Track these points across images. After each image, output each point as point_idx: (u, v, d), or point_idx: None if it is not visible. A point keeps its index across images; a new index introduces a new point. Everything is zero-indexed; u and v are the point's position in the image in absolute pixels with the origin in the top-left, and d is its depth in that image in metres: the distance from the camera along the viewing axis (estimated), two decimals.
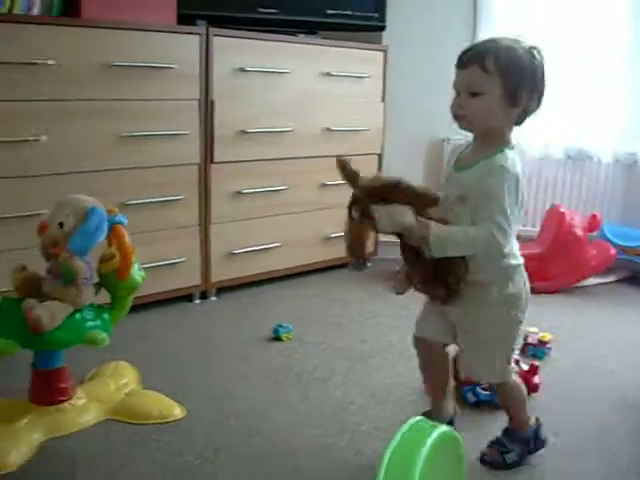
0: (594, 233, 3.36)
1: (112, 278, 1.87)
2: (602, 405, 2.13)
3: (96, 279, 1.87)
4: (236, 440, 1.86)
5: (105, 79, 2.52)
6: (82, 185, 2.37)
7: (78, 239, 1.74)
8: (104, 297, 1.93)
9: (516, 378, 1.81)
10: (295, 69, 3.08)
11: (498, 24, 3.52)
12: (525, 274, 1.70)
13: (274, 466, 1.74)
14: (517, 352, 2.15)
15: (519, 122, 1.63)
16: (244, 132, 2.93)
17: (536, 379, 2.15)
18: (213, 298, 3.03)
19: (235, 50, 2.88)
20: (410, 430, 1.13)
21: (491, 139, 1.61)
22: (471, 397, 2.08)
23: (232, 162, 2.94)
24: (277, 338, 2.57)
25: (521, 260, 1.69)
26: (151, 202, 2.69)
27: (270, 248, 3.14)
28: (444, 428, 1.15)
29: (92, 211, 1.76)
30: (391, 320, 2.83)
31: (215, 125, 2.84)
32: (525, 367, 2.17)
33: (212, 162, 2.86)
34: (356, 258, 1.59)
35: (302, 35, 3.20)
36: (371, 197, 1.53)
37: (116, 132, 2.56)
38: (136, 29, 2.58)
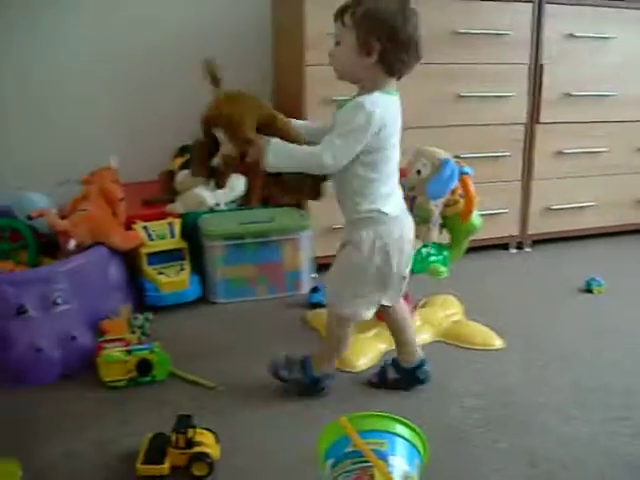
0: None
1: (454, 221, 2.18)
2: None
3: (440, 221, 2.19)
4: (550, 372, 2.09)
5: (448, 45, 2.83)
6: (426, 138, 2.65)
7: (434, 186, 2.06)
8: (444, 237, 2.25)
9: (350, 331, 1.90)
10: (623, 35, 3.15)
11: None
12: (395, 228, 1.79)
13: (585, 398, 1.94)
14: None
15: (393, 72, 1.73)
16: (569, 95, 3.08)
17: None
18: (528, 249, 3.26)
19: (565, 17, 3.02)
20: None
21: (363, 87, 1.74)
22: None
23: (556, 123, 3.12)
24: (589, 290, 2.73)
25: (389, 210, 1.78)
26: (480, 157, 2.97)
27: (585, 207, 3.29)
28: None
29: (446, 162, 2.06)
30: None
31: (543, 88, 3.03)
32: None
33: (537, 122, 3.07)
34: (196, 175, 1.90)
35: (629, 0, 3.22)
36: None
37: (455, 92, 2.88)
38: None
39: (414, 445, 1.43)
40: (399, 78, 1.78)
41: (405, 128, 2.75)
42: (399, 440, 1.41)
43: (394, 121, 1.78)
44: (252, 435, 1.77)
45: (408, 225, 1.86)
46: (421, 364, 1.98)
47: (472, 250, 3.01)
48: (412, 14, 1.70)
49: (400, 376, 1.98)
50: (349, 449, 1.37)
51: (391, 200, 1.80)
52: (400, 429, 1.43)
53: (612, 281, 2.81)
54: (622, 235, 3.47)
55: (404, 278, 1.88)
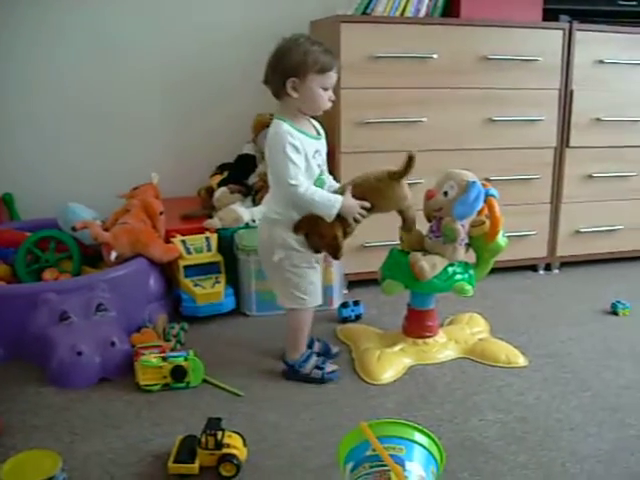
0: None
1: (480, 241, 2.24)
2: None
3: (467, 240, 2.25)
4: (569, 391, 2.15)
5: (479, 70, 2.90)
6: (455, 160, 2.78)
7: (460, 207, 2.14)
8: (471, 256, 2.32)
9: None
10: None
11: None
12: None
13: (602, 417, 1.99)
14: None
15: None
16: (599, 120, 3.13)
17: None
18: (556, 271, 3.31)
19: (595, 43, 3.06)
20: None
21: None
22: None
23: (586, 147, 3.16)
24: (614, 312, 2.77)
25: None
26: (510, 179, 3.04)
27: (614, 230, 3.32)
28: None
29: (472, 184, 2.14)
30: None
31: (573, 113, 3.08)
32: None
33: (567, 146, 3.12)
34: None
35: None
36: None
37: (485, 116, 2.95)
38: (506, 26, 2.91)
39: (431, 453, 1.50)
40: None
41: (435, 150, 2.88)
42: (417, 447, 1.48)
43: None
44: (279, 438, 1.86)
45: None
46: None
47: (501, 270, 3.10)
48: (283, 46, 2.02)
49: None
50: (368, 453, 1.44)
51: None
52: (418, 437, 1.50)
53: (638, 304, 2.85)
54: None
55: None
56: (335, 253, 2.06)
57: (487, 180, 2.85)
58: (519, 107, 3.00)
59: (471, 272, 2.26)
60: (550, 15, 3.07)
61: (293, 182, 1.96)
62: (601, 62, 3.08)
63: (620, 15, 3.21)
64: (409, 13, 2.86)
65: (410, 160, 2.02)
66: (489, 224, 2.19)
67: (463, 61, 2.87)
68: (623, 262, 3.43)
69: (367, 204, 2.05)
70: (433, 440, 1.51)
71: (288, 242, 2.06)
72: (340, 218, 2.02)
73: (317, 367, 2.18)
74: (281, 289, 2.15)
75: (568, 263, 3.34)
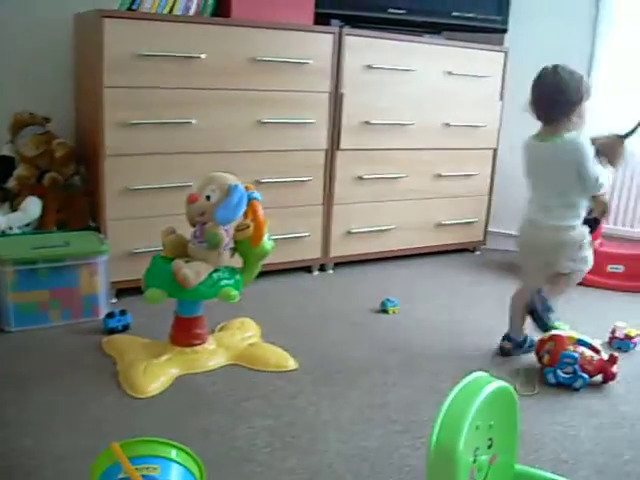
0: None
1: (246, 245, 2.21)
2: None
3: (232, 245, 2.21)
4: (338, 391, 2.17)
5: (249, 72, 2.87)
6: (225, 163, 2.74)
7: (222, 211, 2.09)
8: (237, 261, 2.28)
9: None
10: (419, 67, 3.33)
11: (619, 30, 3.63)
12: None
13: (369, 414, 2.03)
14: (601, 342, 2.45)
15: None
16: (369, 123, 3.22)
17: (614, 369, 2.31)
18: (330, 271, 3.36)
19: (365, 48, 3.16)
20: (470, 382, 1.38)
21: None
22: (551, 378, 2.31)
23: (356, 150, 3.24)
24: (384, 311, 2.86)
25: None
26: (282, 181, 3.04)
27: (385, 230, 3.44)
28: (500, 383, 1.39)
29: (234, 188, 2.10)
30: (491, 304, 3.05)
31: (343, 115, 3.14)
32: (606, 357, 2.34)
33: (338, 149, 3.18)
34: None
35: (427, 35, 3.43)
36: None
37: (256, 119, 2.92)
38: (277, 28, 2.91)
39: (189, 469, 1.44)
40: None
41: (204, 153, 2.81)
42: (173, 465, 1.41)
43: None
44: (34, 465, 1.70)
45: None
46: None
47: (276, 272, 3.11)
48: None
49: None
50: (121, 476, 1.35)
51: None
52: (174, 454, 1.43)
53: (407, 301, 2.96)
54: (420, 257, 3.66)
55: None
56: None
57: (259, 182, 2.86)
58: (290, 109, 3.00)
59: (238, 277, 2.22)
60: (322, 19, 3.12)
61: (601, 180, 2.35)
62: (370, 67, 3.17)
63: (390, 22, 3.32)
64: (178, 11, 2.78)
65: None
66: (253, 228, 2.16)
67: (233, 62, 2.83)
68: (393, 261, 3.56)
69: None
70: (191, 456, 1.45)
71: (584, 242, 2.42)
72: None
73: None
74: (580, 268, 2.45)
75: (342, 263, 3.40)
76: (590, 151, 2.30)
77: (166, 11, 2.76)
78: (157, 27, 2.66)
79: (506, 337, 2.54)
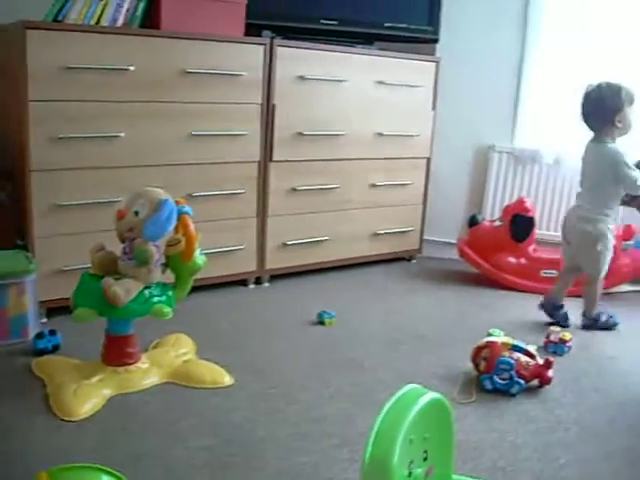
0: (629, 242, 3.53)
1: (177, 260, 2.17)
2: (608, 401, 2.32)
3: (163, 260, 2.17)
4: (275, 406, 2.14)
5: (180, 84, 2.83)
6: (156, 177, 2.71)
7: (152, 227, 2.05)
8: (169, 277, 2.23)
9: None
10: (352, 77, 3.34)
11: (547, 41, 3.72)
12: None
13: (307, 429, 2.01)
14: (536, 347, 2.47)
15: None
16: (301, 134, 3.20)
17: (549, 373, 2.35)
18: (266, 284, 3.33)
19: (297, 59, 3.15)
20: (403, 395, 1.38)
21: None
22: (488, 384, 2.33)
23: (289, 161, 3.23)
24: (321, 322, 2.84)
25: None
26: (215, 194, 3.00)
27: (320, 241, 3.43)
28: (434, 394, 1.39)
29: (164, 203, 2.06)
30: (427, 312, 3.08)
31: (275, 127, 3.12)
32: (541, 361, 2.38)
33: (271, 160, 3.15)
34: None
35: (360, 46, 3.43)
36: None
37: (187, 131, 2.88)
38: (208, 40, 2.88)
39: None
40: None
41: (134, 167, 2.76)
42: None
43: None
44: None
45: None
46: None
47: (211, 287, 3.07)
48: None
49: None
50: None
51: None
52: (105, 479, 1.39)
53: (344, 312, 2.95)
54: (357, 267, 3.66)
55: None
56: None
57: (191, 196, 2.82)
58: (222, 121, 2.97)
59: (170, 293, 2.18)
60: (253, 30, 3.10)
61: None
62: (302, 78, 3.16)
63: (322, 33, 3.32)
64: (105, 22, 2.72)
65: None
66: (184, 243, 2.12)
67: (163, 74, 2.78)
68: (330, 272, 3.55)
69: None
70: None
71: (607, 232, 2.89)
72: None
73: (610, 316, 3.01)
74: (594, 266, 2.94)
75: (278, 276, 3.37)
76: (624, 157, 2.78)
77: (93, 22, 2.69)
78: (84, 39, 2.60)
79: (546, 299, 3.06)
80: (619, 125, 2.81)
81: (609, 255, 2.94)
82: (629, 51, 3.59)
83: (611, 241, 2.93)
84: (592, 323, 2.97)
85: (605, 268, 2.95)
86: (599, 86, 2.81)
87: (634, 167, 2.82)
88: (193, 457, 1.83)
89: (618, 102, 2.78)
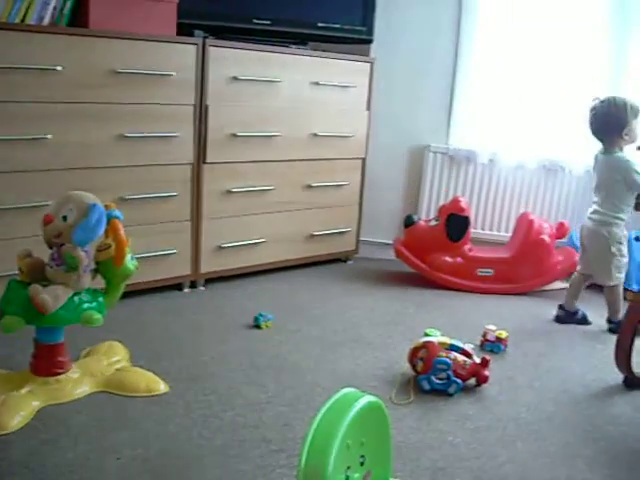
0: (562, 240, 3.60)
1: (108, 266, 2.11)
2: (543, 398, 2.35)
3: (93, 266, 2.11)
4: (212, 412, 2.10)
5: (109, 84, 2.75)
6: (84, 180, 2.64)
7: (80, 232, 1.98)
8: (100, 282, 2.17)
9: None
10: (286, 78, 3.31)
11: (480, 43, 3.76)
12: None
13: (244, 435, 1.98)
14: (473, 346, 2.48)
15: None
16: (235, 135, 3.16)
17: (486, 372, 2.37)
18: (201, 288, 3.28)
19: (229, 60, 3.10)
20: (338, 400, 1.36)
21: None
22: (425, 385, 2.33)
23: (223, 163, 3.18)
24: (257, 326, 2.81)
25: None
26: (147, 197, 2.94)
27: (256, 243, 3.39)
28: (370, 398, 1.38)
29: (93, 207, 2.00)
30: (364, 314, 3.07)
31: (208, 128, 3.07)
32: (477, 360, 2.39)
33: (204, 162, 3.10)
34: None
35: (293, 46, 3.41)
36: None
37: (117, 133, 2.81)
38: (138, 39, 2.81)
39: None
40: None
41: (63, 170, 2.68)
42: None
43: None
44: None
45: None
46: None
47: (144, 292, 3.01)
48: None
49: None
50: None
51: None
52: None
53: (280, 315, 2.93)
54: (293, 269, 3.63)
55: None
56: None
57: (122, 199, 2.76)
58: (153, 123, 2.90)
59: (100, 299, 2.11)
60: (185, 30, 3.05)
61: None
62: (235, 78, 3.12)
63: (255, 33, 3.28)
64: (31, 20, 2.63)
65: None
66: (115, 247, 2.06)
67: (91, 74, 2.70)
68: (266, 274, 3.51)
69: None
70: None
71: (621, 238, 3.00)
72: None
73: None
74: (607, 273, 3.02)
75: (213, 279, 3.32)
76: (634, 165, 2.92)
77: (18, 20, 2.61)
78: (8, 37, 2.50)
79: (560, 307, 3.18)
80: (626, 138, 2.98)
81: (624, 261, 3.03)
82: (558, 56, 3.68)
83: (625, 247, 3.03)
84: (617, 327, 2.91)
85: (619, 275, 3.03)
86: (605, 102, 2.95)
87: None
88: (126, 468, 1.78)
89: (624, 118, 2.93)
